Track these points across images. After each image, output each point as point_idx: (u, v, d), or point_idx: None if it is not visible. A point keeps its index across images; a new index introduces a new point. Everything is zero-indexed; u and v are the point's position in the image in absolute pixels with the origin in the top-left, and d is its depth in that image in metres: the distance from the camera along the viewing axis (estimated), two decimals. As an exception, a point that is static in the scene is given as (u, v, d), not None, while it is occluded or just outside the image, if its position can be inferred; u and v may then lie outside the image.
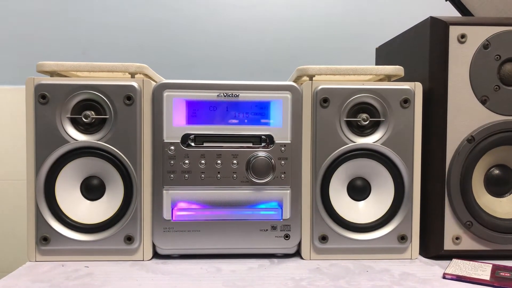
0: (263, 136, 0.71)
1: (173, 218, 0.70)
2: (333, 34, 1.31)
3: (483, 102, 0.71)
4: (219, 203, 0.70)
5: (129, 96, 0.68)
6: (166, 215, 0.70)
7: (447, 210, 0.71)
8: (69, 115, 0.69)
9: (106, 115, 0.69)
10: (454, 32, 0.70)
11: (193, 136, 0.70)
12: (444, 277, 0.63)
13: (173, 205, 0.70)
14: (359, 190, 0.73)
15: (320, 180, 0.71)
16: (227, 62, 1.31)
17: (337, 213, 0.71)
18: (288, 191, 0.71)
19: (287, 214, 0.71)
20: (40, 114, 0.68)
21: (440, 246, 0.72)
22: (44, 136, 0.68)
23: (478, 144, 0.71)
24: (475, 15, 0.90)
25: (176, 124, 0.70)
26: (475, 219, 0.71)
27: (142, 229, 0.70)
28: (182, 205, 0.70)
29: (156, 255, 0.73)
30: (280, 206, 0.71)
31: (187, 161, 0.70)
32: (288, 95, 0.71)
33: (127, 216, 0.69)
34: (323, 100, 0.70)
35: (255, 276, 0.64)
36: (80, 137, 0.69)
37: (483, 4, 0.88)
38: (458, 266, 0.67)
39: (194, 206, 0.70)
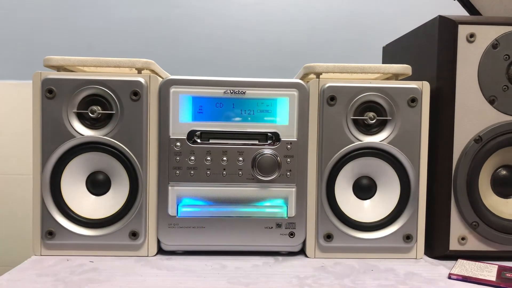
0: (269, 134, 0.70)
1: (178, 214, 0.70)
2: (340, 31, 1.31)
3: (491, 102, 0.71)
4: (225, 200, 0.70)
5: (135, 92, 0.68)
6: (171, 211, 0.70)
7: (453, 210, 0.71)
8: (75, 110, 0.69)
9: (112, 111, 0.69)
10: (463, 31, 0.70)
11: (199, 132, 0.70)
12: (449, 278, 0.63)
13: (178, 201, 0.70)
14: (365, 188, 0.73)
15: (326, 178, 0.71)
16: (233, 59, 1.30)
17: (343, 212, 0.71)
18: (294, 189, 0.71)
19: (292, 212, 0.71)
20: (47, 109, 0.68)
21: (445, 246, 0.71)
22: (50, 131, 0.68)
23: (485, 145, 0.70)
24: (484, 14, 0.89)
25: (182, 120, 0.70)
26: (481, 219, 0.71)
27: (147, 225, 0.70)
28: (187, 201, 0.70)
29: (160, 251, 0.73)
30: (286, 203, 0.71)
31: (193, 158, 0.70)
32: (295, 92, 0.70)
33: (132, 212, 0.69)
34: (330, 98, 0.70)
35: (260, 273, 0.64)
36: (86, 132, 0.69)
37: (491, 4, 0.87)
38: (464, 267, 0.66)
39: (199, 203, 0.70)
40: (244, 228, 0.71)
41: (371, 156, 0.71)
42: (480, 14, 0.90)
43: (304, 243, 0.73)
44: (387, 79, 0.79)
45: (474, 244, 0.72)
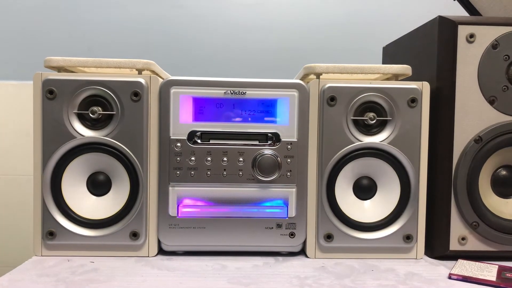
0: (269, 134, 0.70)
1: (179, 215, 0.70)
2: (340, 32, 1.31)
3: (491, 102, 0.71)
4: (225, 200, 0.70)
5: (136, 92, 0.68)
6: (172, 211, 0.70)
7: (453, 210, 0.71)
8: (76, 111, 0.69)
9: (113, 111, 0.69)
10: (463, 31, 0.70)
11: (199, 133, 0.70)
12: (449, 278, 0.63)
13: (179, 202, 0.70)
14: (365, 189, 0.73)
15: (326, 178, 0.71)
16: (233, 60, 1.31)
17: (343, 212, 0.71)
18: (294, 189, 0.71)
19: (292, 212, 0.71)
20: (47, 109, 0.68)
21: (446, 246, 0.71)
22: (51, 132, 0.68)
23: (485, 145, 0.70)
24: (484, 15, 0.89)
25: (183, 121, 0.70)
26: (482, 219, 0.71)
27: (148, 225, 0.70)
28: (187, 201, 0.70)
29: (161, 251, 0.73)
30: (286, 204, 0.71)
31: (193, 158, 0.70)
32: (295, 93, 0.70)
33: (133, 212, 0.69)
34: (330, 98, 0.70)
35: (260, 273, 0.64)
36: (87, 133, 0.69)
37: (491, 4, 0.87)
38: (464, 267, 0.66)
39: (199, 203, 0.70)
40: (244, 228, 0.71)
41: (371, 156, 0.71)
42: (480, 15, 0.90)
43: (304, 243, 0.73)
44: (387, 79, 0.79)
45: (474, 244, 0.72)
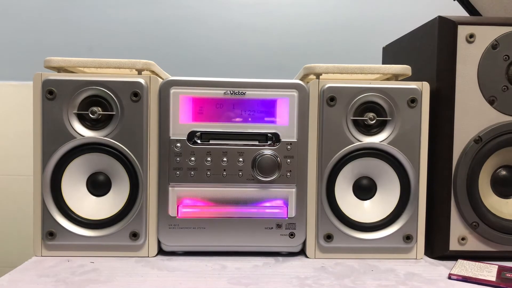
0: (269, 134, 0.70)
1: (179, 215, 0.70)
2: (340, 32, 1.31)
3: (491, 102, 0.71)
4: (225, 201, 0.70)
5: (136, 93, 0.68)
6: (172, 211, 0.70)
7: (453, 210, 0.71)
8: (76, 111, 0.69)
9: (113, 111, 0.69)
10: (463, 32, 0.70)
11: (199, 133, 0.70)
12: (449, 278, 0.63)
13: (179, 202, 0.70)
14: (365, 189, 0.73)
15: (326, 178, 0.71)
16: (233, 60, 1.31)
17: (343, 212, 0.71)
18: (294, 190, 0.71)
19: (292, 212, 0.71)
20: (47, 110, 0.68)
21: (445, 246, 0.71)
22: (51, 132, 0.68)
23: (485, 145, 0.70)
24: (484, 15, 0.90)
25: (183, 121, 0.70)
26: (481, 220, 0.71)
27: (148, 226, 0.70)
28: (187, 202, 0.70)
29: (161, 251, 0.73)
30: (286, 204, 0.71)
31: (193, 158, 0.70)
32: (294, 93, 0.70)
33: (133, 213, 0.69)
34: (330, 98, 0.70)
35: (260, 274, 0.64)
36: (86, 133, 0.69)
37: (491, 4, 0.87)
38: (464, 267, 0.66)
39: (199, 203, 0.70)
40: (244, 228, 0.71)
41: (371, 156, 0.71)
42: (480, 15, 0.90)
43: (304, 243, 0.73)
44: (387, 79, 0.79)
45: (474, 244, 0.72)
